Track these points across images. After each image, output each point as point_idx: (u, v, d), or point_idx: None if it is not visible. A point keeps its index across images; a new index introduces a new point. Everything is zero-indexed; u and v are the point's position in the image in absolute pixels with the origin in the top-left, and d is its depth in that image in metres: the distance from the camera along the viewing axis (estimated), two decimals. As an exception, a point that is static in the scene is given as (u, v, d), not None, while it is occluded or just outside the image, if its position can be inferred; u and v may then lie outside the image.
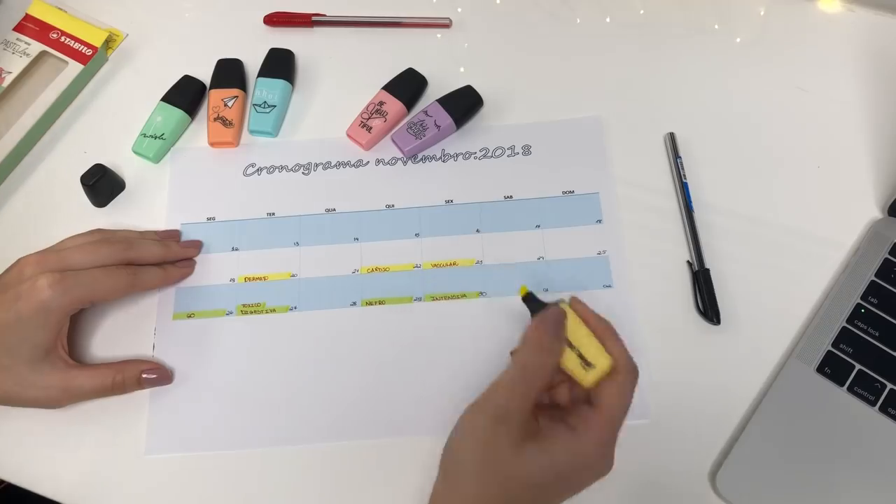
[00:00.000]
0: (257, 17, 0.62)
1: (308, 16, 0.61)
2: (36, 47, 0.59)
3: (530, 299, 0.44)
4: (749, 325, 0.50)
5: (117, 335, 0.51)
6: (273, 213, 0.55)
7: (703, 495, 0.46)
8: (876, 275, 0.50)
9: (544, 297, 0.51)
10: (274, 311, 0.51)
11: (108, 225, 0.54)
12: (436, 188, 0.55)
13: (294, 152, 0.57)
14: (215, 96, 0.57)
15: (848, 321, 0.49)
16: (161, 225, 0.54)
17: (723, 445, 0.47)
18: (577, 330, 0.41)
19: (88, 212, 0.55)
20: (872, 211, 0.54)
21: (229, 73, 0.59)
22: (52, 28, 0.60)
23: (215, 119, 0.56)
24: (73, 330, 0.50)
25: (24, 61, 0.59)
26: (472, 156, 0.56)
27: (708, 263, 0.51)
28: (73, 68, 0.58)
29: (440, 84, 0.58)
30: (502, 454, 0.37)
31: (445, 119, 0.55)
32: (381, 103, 0.57)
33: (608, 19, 0.62)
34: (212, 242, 0.54)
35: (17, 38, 0.59)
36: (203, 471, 0.47)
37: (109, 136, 0.58)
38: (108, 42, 0.61)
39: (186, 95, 0.58)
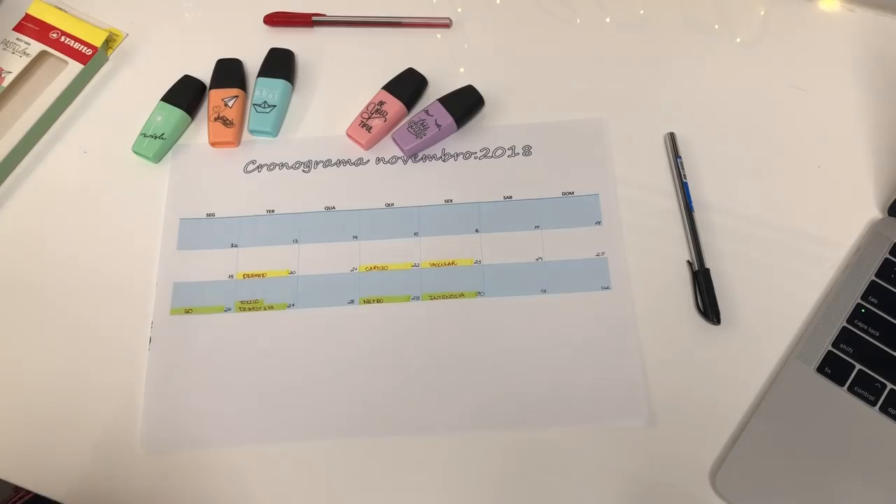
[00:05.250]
0: (257, 17, 0.62)
1: (308, 16, 0.61)
2: (36, 47, 0.59)
3: None
4: (749, 325, 0.50)
5: (114, 329, 0.51)
6: (273, 211, 0.55)
7: (703, 495, 0.46)
8: (876, 275, 0.50)
9: (542, 297, 0.51)
10: (272, 307, 0.51)
11: (106, 225, 0.54)
12: (435, 187, 0.55)
13: (294, 150, 0.57)
14: (215, 96, 0.57)
15: (848, 321, 0.49)
16: (160, 222, 0.54)
17: (723, 445, 0.47)
18: None
19: (88, 212, 0.55)
20: (872, 211, 0.53)
21: (229, 72, 0.59)
22: (52, 28, 0.60)
23: (216, 119, 0.56)
24: (69, 323, 0.51)
25: (24, 61, 0.59)
26: (473, 156, 0.56)
27: (708, 263, 0.51)
28: (73, 68, 0.58)
29: (440, 84, 0.59)
30: None
31: (446, 118, 0.55)
32: (381, 103, 0.57)
33: (608, 19, 0.62)
34: (211, 239, 0.54)
35: (17, 38, 0.59)
36: (199, 467, 0.47)
37: (109, 136, 0.58)
38: (108, 42, 0.61)
39: (186, 95, 0.58)
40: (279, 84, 0.58)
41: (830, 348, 0.48)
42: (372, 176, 0.56)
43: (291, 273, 0.52)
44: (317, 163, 0.56)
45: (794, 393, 0.47)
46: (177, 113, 0.57)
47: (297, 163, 0.56)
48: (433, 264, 0.52)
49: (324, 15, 0.61)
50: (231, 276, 0.52)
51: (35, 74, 0.59)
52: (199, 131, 0.58)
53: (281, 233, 0.54)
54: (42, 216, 0.55)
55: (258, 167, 0.56)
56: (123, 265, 0.53)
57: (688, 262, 0.52)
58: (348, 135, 0.56)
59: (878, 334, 0.48)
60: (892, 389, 0.47)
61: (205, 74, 0.59)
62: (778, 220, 0.53)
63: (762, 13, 0.61)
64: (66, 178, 0.56)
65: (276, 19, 0.62)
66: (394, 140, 0.56)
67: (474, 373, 0.49)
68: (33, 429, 0.48)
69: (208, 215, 0.54)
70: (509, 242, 0.53)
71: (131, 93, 0.59)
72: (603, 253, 0.52)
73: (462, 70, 0.60)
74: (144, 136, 0.56)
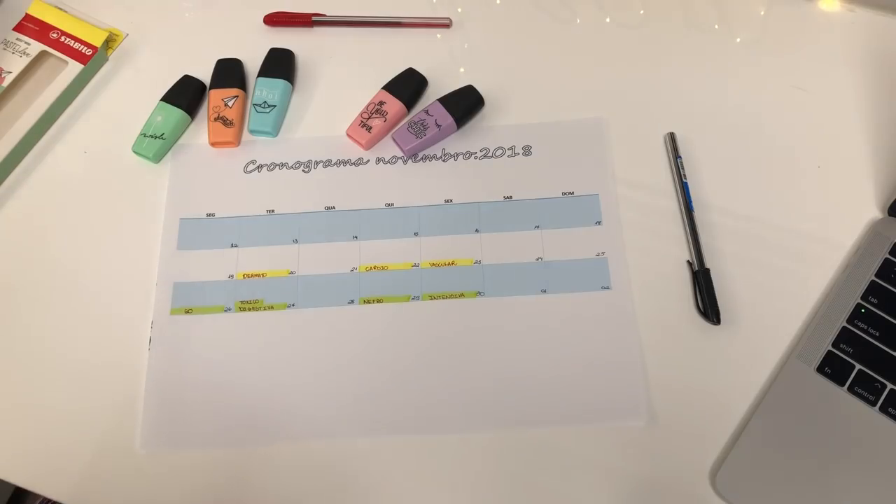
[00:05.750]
0: (257, 17, 0.62)
1: (308, 16, 0.61)
2: (36, 47, 0.59)
3: None
4: (749, 325, 0.50)
5: (114, 329, 0.51)
6: (273, 211, 0.55)
7: (703, 495, 0.46)
8: (876, 275, 0.50)
9: (542, 297, 0.51)
10: (272, 308, 0.51)
11: (106, 225, 0.54)
12: (435, 187, 0.55)
13: (294, 150, 0.57)
14: (215, 96, 0.57)
15: (848, 321, 0.49)
16: (160, 222, 0.54)
17: (723, 445, 0.47)
18: None
19: (88, 212, 0.55)
20: (872, 211, 0.53)
21: (229, 72, 0.59)
22: (52, 28, 0.60)
23: (216, 119, 0.56)
24: (69, 323, 0.51)
25: (24, 61, 0.59)
26: (473, 156, 0.56)
27: (708, 263, 0.51)
28: (73, 68, 0.58)
29: (440, 84, 0.59)
30: None
31: (446, 118, 0.55)
32: (381, 103, 0.57)
33: (608, 19, 0.62)
34: (211, 239, 0.54)
35: (17, 38, 0.60)
36: (199, 467, 0.47)
37: (109, 136, 0.58)
38: (108, 42, 0.61)
39: (186, 95, 0.58)
40: (279, 84, 0.58)
41: (830, 348, 0.48)
42: (372, 176, 0.56)
43: (291, 273, 0.52)
44: (317, 163, 0.56)
45: (794, 393, 0.47)
46: (177, 113, 0.57)
47: (297, 163, 0.56)
48: (433, 264, 0.52)
49: (324, 15, 0.61)
50: (231, 276, 0.52)
51: (35, 74, 0.59)
52: (199, 131, 0.58)
53: (281, 233, 0.54)
54: (42, 216, 0.55)
55: (258, 167, 0.56)
56: (123, 265, 0.53)
57: (688, 262, 0.52)
58: (348, 135, 0.56)
59: (878, 334, 0.48)
60: (892, 389, 0.47)
61: (205, 74, 0.59)
62: (778, 220, 0.53)
63: (762, 13, 0.61)
64: (67, 178, 0.56)
65: (276, 19, 0.62)
66: (394, 140, 0.56)
67: (474, 373, 0.49)
68: (33, 428, 0.48)
69: (208, 215, 0.54)
70: (509, 242, 0.53)
71: (131, 93, 0.59)
72: (603, 253, 0.52)
73: (462, 70, 0.60)
74: (144, 136, 0.56)
